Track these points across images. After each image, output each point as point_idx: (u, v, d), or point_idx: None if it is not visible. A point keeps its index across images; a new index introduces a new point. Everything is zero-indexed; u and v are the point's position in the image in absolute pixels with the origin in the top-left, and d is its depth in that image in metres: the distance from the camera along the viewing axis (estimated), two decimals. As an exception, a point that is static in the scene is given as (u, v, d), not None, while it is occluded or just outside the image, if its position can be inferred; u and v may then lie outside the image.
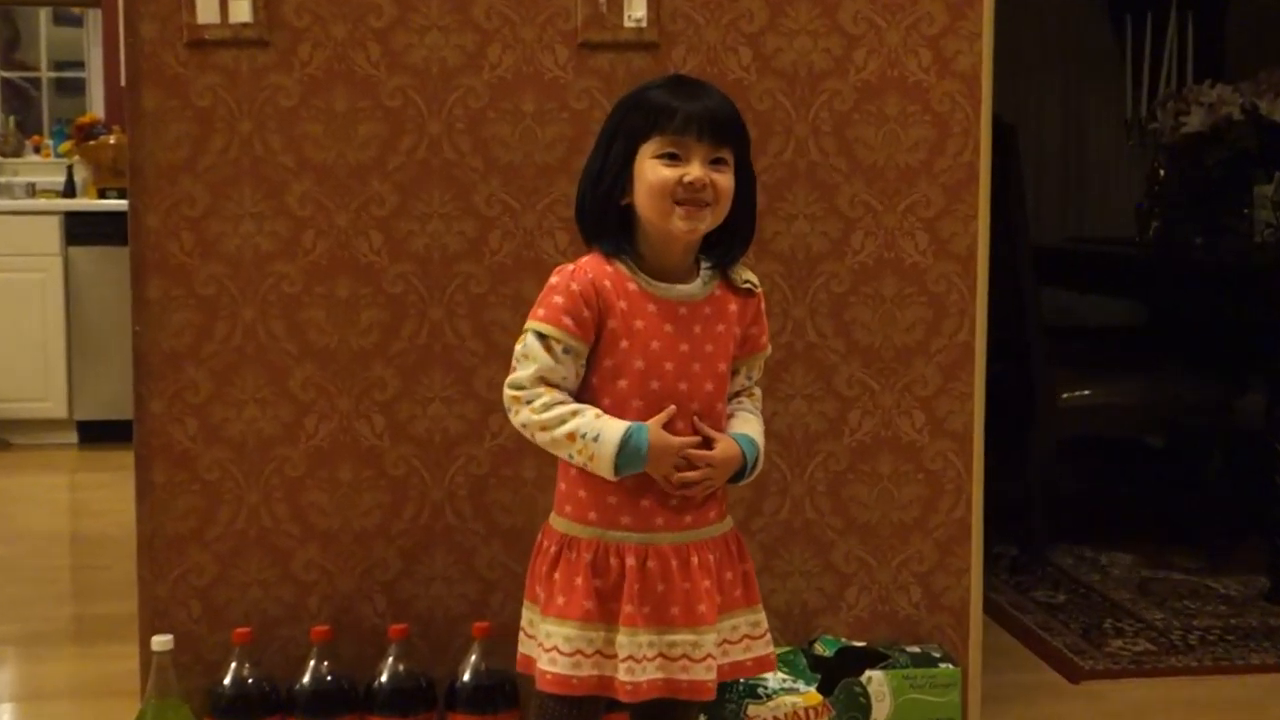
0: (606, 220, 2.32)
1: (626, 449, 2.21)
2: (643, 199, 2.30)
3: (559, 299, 2.28)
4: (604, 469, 2.23)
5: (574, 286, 2.28)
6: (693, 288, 2.34)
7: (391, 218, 3.12)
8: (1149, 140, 5.91)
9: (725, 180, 2.30)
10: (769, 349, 2.47)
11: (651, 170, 2.28)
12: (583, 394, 2.31)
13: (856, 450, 3.31)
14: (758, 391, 2.47)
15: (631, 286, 2.29)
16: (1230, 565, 4.96)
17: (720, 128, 2.29)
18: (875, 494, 3.32)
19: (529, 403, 2.27)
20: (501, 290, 3.16)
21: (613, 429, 2.23)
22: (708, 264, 2.37)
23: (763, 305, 2.44)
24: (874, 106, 3.21)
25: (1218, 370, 5.00)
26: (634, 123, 2.30)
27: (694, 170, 2.26)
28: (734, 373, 2.42)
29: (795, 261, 3.24)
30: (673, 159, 2.28)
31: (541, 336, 2.27)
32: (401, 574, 3.20)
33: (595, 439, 2.22)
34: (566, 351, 2.28)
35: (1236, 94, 5.40)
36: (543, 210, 3.16)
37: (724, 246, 2.37)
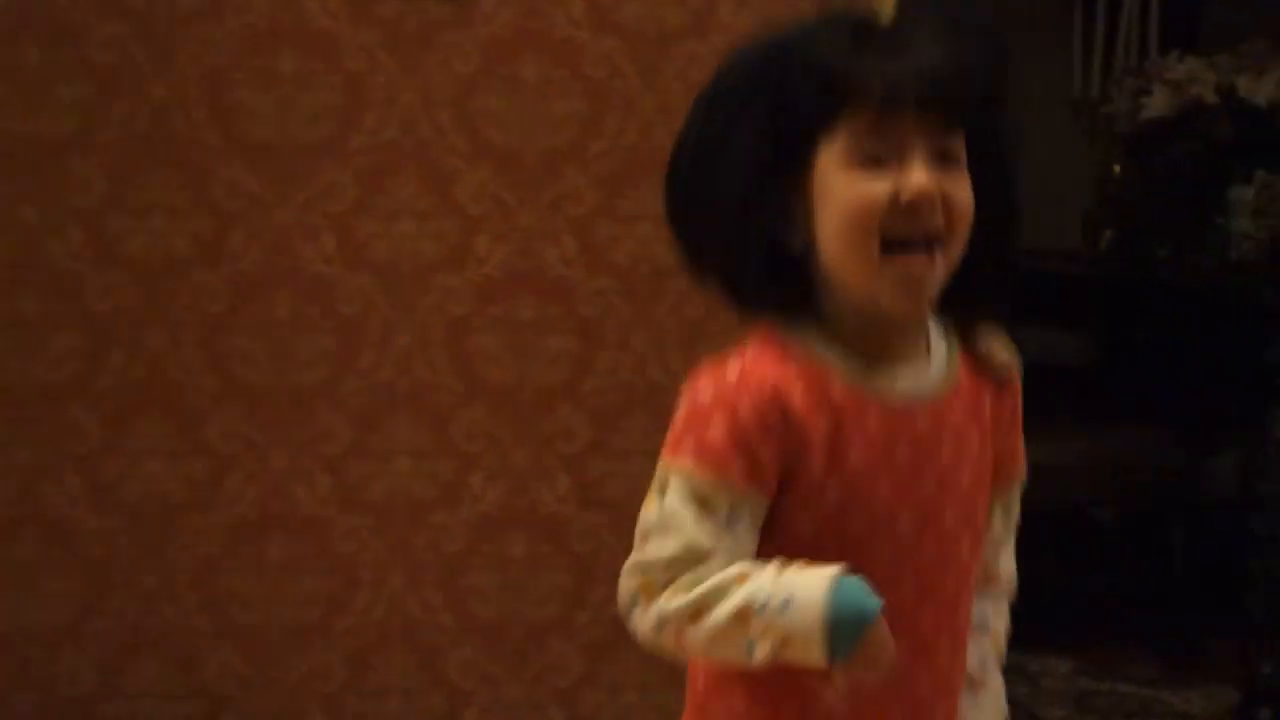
0: (771, 272, 1.67)
1: (842, 610, 1.56)
2: (831, 239, 1.62)
3: (720, 428, 1.61)
4: (812, 648, 1.57)
5: (745, 407, 1.61)
6: (931, 375, 1.71)
7: (349, 214, 2.97)
8: (1101, 128, 5.54)
9: (963, 190, 1.62)
10: (1025, 471, 1.88)
11: (842, 186, 1.60)
12: None
13: None
14: (1004, 572, 1.88)
15: (837, 388, 1.63)
16: (1192, 674, 4.49)
17: (954, 93, 1.63)
18: None
19: (665, 588, 1.62)
20: (489, 311, 3.00)
21: (811, 585, 1.57)
22: (941, 326, 1.75)
23: (1020, 395, 1.84)
24: None
25: (1182, 424, 4.72)
26: (795, 101, 1.62)
27: (914, 176, 1.58)
28: None
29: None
30: (875, 163, 1.59)
31: (694, 493, 1.61)
32: (346, 684, 3.05)
33: (784, 606, 1.57)
34: (735, 517, 1.62)
35: (1210, 70, 5.09)
36: (546, 208, 3.00)
37: (963, 293, 1.71)
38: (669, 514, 1.62)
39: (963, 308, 1.73)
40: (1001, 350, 1.79)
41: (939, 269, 1.60)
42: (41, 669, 2.98)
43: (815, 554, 1.61)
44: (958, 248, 1.63)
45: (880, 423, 1.63)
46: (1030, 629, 4.42)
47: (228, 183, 2.93)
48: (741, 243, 1.65)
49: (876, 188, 1.57)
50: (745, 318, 1.75)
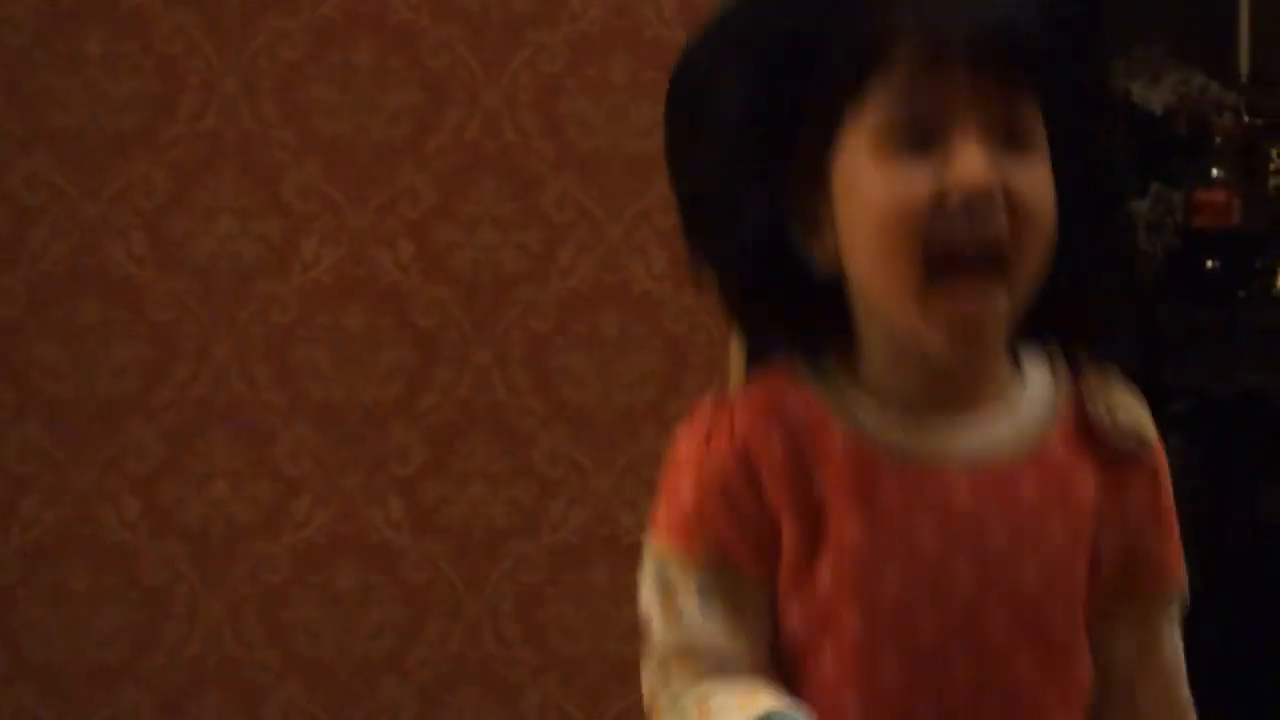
0: (782, 293, 1.34)
1: None
2: (858, 255, 1.28)
3: (686, 495, 1.35)
4: None
5: (712, 469, 1.34)
6: (997, 429, 1.34)
7: (427, 221, 2.89)
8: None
9: (1037, 181, 1.25)
10: (1184, 585, 1.44)
11: (871, 180, 1.25)
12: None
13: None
14: None
15: (837, 442, 1.32)
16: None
17: (1023, 41, 1.26)
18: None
19: (667, 687, 1.37)
20: (574, 327, 2.93)
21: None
22: (1042, 357, 1.38)
23: (1165, 478, 1.41)
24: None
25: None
26: (809, 57, 1.29)
27: (965, 163, 1.22)
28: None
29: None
30: (916, 148, 1.23)
31: (662, 574, 1.37)
32: None
33: None
34: (710, 600, 1.35)
35: (1102, 76, 5.29)
36: (633, 218, 2.94)
37: (1060, 321, 1.36)
38: (645, 603, 1.38)
39: (1062, 338, 1.37)
40: (1129, 410, 1.38)
41: (1005, 297, 1.24)
42: (93, 709, 2.87)
43: (811, 658, 1.34)
44: (1033, 262, 1.26)
45: (895, 489, 1.30)
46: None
47: (299, 184, 2.84)
48: (730, 254, 1.33)
49: (915, 182, 1.21)
50: (754, 346, 1.50)
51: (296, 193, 2.88)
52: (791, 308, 1.31)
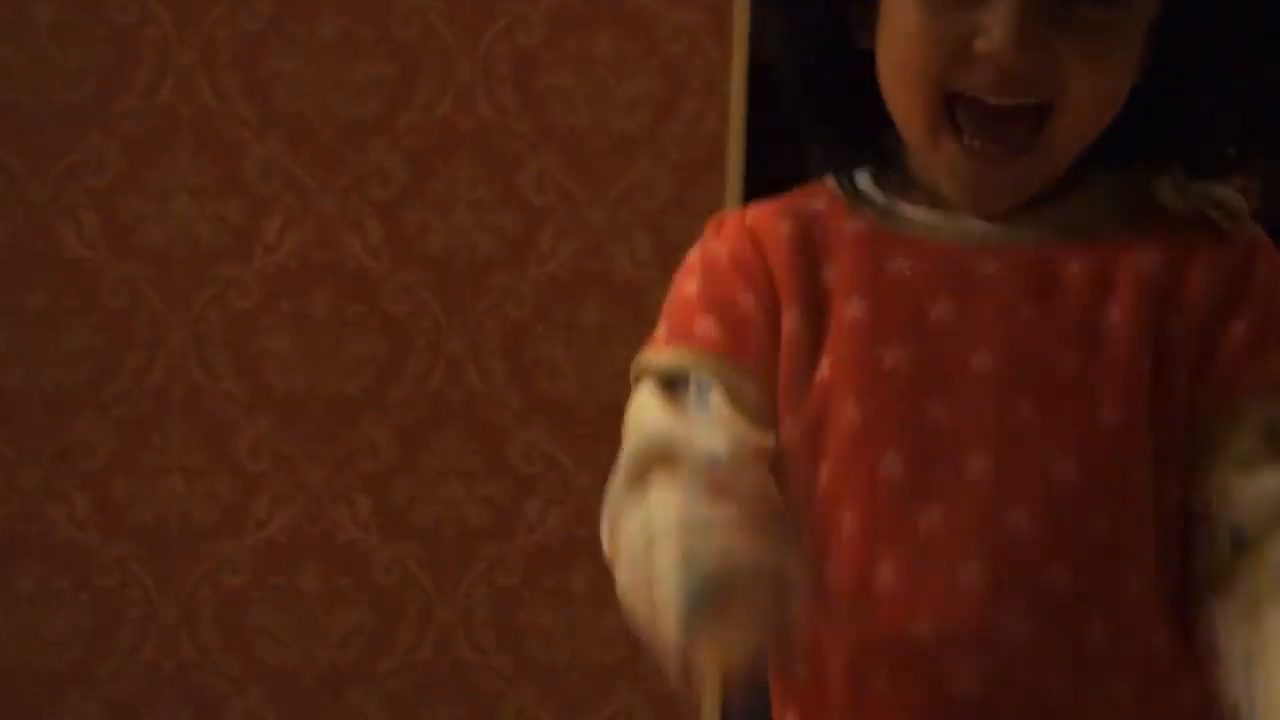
0: (836, 95, 1.29)
1: (693, 568, 1.06)
2: (884, 79, 1.24)
3: (690, 288, 1.30)
4: (672, 622, 1.08)
5: (719, 255, 1.29)
6: (1044, 213, 1.24)
7: (398, 202, 2.86)
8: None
9: (1097, 74, 1.20)
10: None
11: (902, 8, 1.21)
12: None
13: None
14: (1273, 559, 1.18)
15: (851, 225, 1.27)
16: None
17: None
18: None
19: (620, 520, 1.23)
20: (553, 316, 2.91)
21: (670, 519, 1.11)
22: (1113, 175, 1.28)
23: (1266, 261, 1.25)
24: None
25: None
26: None
27: (994, 21, 1.17)
28: (1200, 463, 1.22)
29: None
30: None
31: (662, 376, 1.28)
32: None
33: (649, 546, 1.12)
34: (709, 395, 1.27)
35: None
36: (617, 201, 2.90)
37: (1154, 139, 1.27)
38: (633, 411, 1.28)
39: (1156, 147, 1.26)
40: (1208, 188, 1.27)
41: (1029, 163, 1.20)
42: (40, 717, 2.88)
43: (807, 469, 1.24)
44: (1073, 134, 1.20)
45: (908, 269, 1.23)
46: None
47: (261, 161, 2.81)
48: (815, 53, 1.27)
49: (942, 24, 1.16)
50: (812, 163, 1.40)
51: (258, 171, 2.81)
52: (841, 99, 1.25)
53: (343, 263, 2.84)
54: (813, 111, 1.28)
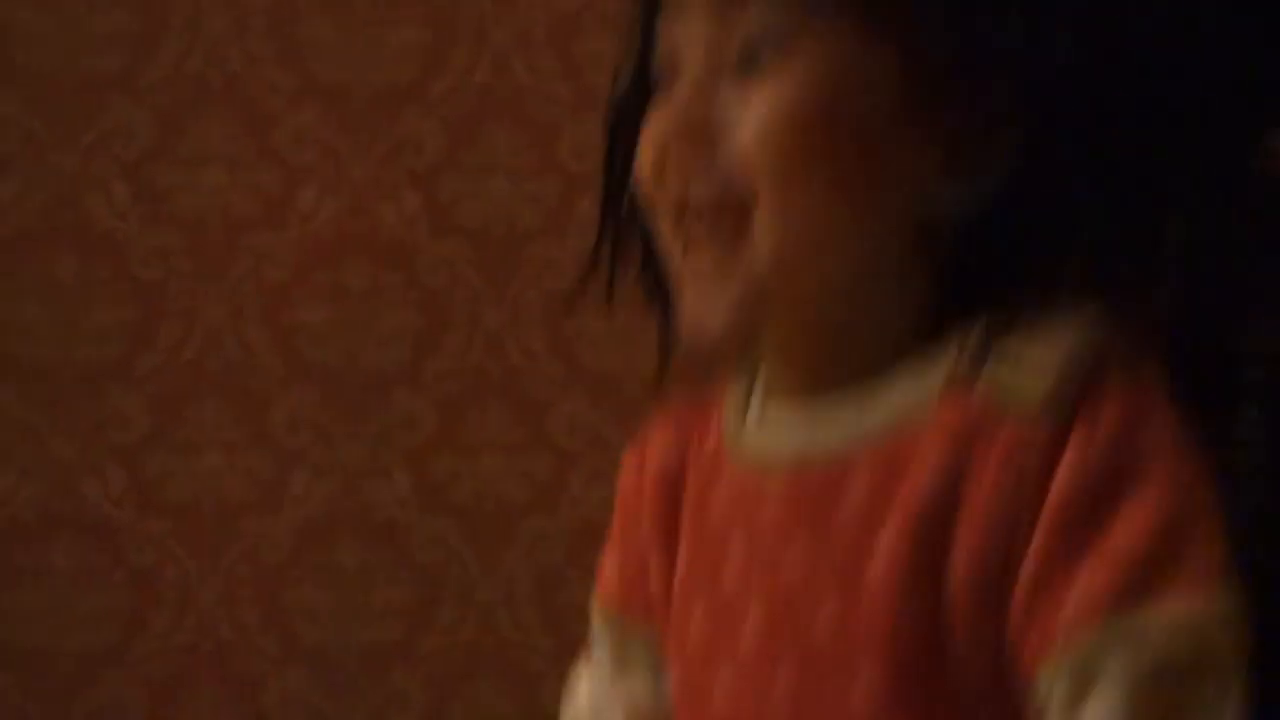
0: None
1: None
2: None
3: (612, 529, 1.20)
4: None
5: (624, 479, 1.18)
6: (847, 419, 0.99)
7: (434, 171, 2.80)
8: None
9: (769, 104, 0.97)
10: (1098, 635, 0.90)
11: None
12: None
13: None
14: None
15: (711, 442, 1.11)
16: None
17: None
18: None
19: None
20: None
21: None
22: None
23: (1075, 467, 0.92)
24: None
25: None
26: None
27: (680, 85, 1.01)
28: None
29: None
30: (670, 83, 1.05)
31: (592, 633, 1.23)
32: (431, 713, 2.86)
33: None
34: (625, 653, 1.16)
35: None
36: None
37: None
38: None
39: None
40: (1027, 364, 0.93)
41: (729, 280, 0.98)
42: (72, 698, 2.79)
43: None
44: (781, 226, 0.96)
45: (723, 504, 1.05)
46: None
47: (294, 131, 2.75)
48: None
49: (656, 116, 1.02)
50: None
51: (291, 140, 2.77)
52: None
53: (377, 233, 2.79)
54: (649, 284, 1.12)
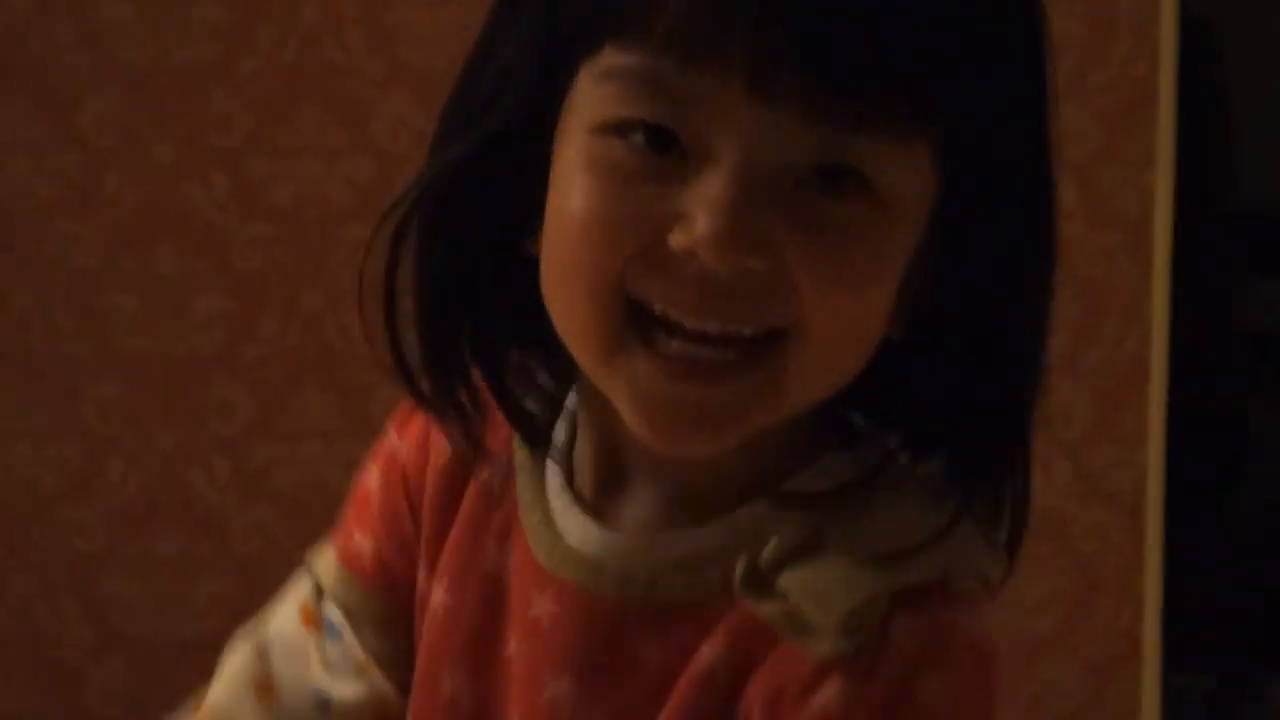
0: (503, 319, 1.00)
1: None
2: (549, 289, 0.91)
3: (374, 479, 1.14)
4: None
5: (400, 447, 1.11)
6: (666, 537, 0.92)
7: (242, 151, 2.77)
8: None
9: (838, 250, 0.83)
10: None
11: (571, 193, 0.87)
12: None
13: None
14: None
15: (484, 476, 1.04)
16: None
17: (874, 24, 0.81)
18: None
19: None
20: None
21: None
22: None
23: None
24: None
25: None
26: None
27: (704, 201, 0.81)
28: None
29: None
30: (657, 141, 0.84)
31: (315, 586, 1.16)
32: None
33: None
34: (341, 625, 1.13)
35: None
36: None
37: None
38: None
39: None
40: (819, 590, 0.85)
41: (756, 391, 0.85)
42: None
43: None
44: (813, 374, 0.85)
45: (498, 562, 0.97)
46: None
47: (97, 113, 2.72)
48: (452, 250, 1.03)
49: (624, 210, 0.83)
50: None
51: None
52: (514, 323, 0.97)
53: (186, 216, 2.66)
54: (474, 341, 0.99)
